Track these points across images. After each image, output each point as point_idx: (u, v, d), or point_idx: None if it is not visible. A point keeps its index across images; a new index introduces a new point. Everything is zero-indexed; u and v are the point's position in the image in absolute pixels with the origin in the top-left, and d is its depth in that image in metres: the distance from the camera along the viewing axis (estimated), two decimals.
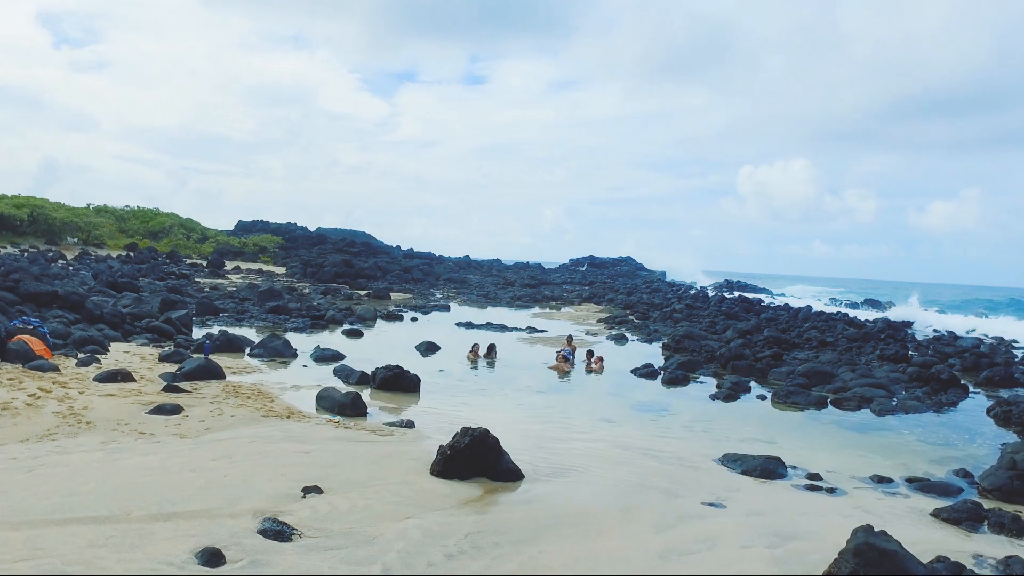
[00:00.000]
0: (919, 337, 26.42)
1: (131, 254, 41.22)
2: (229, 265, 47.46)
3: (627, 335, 23.64)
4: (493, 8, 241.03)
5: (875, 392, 13.20)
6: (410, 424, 9.14)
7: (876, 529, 4.76)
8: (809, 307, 36.70)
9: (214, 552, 4.68)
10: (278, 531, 5.17)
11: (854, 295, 58.75)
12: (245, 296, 26.65)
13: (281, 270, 49.04)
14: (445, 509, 6.06)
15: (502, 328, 23.88)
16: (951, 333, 29.34)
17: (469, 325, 24.42)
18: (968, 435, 10.62)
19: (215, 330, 16.85)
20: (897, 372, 15.82)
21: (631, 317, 30.32)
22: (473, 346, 16.44)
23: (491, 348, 16.50)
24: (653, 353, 19.38)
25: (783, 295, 55.53)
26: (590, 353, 16.46)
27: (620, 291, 45.68)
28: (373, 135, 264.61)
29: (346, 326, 21.51)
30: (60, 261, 33.28)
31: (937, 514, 6.62)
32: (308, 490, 6.14)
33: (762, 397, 12.95)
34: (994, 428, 11.39)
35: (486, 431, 7.11)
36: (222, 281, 37.80)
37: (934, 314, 39.20)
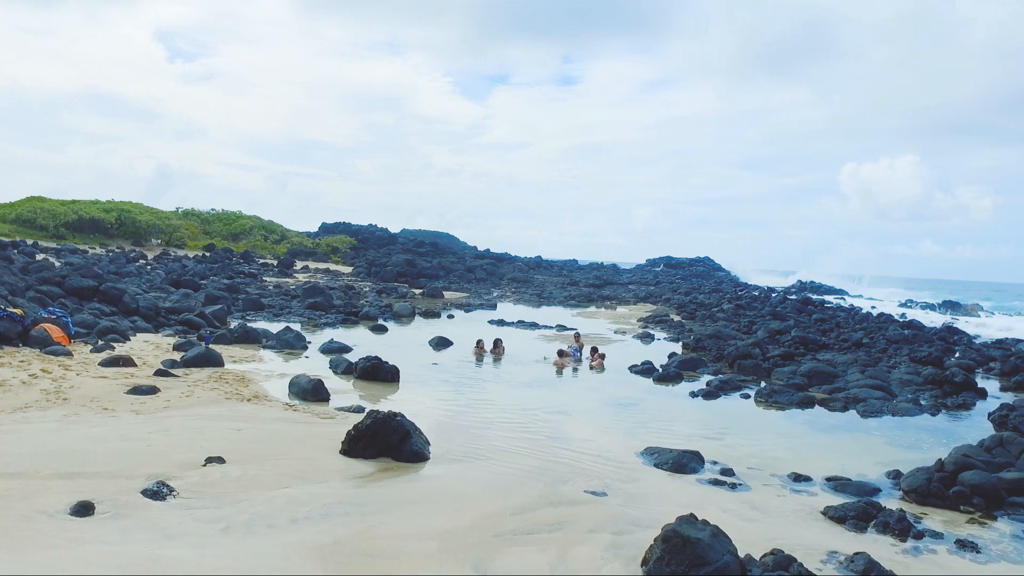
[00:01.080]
0: (981, 341, 24.60)
1: (206, 254, 44.37)
2: (300, 265, 50.14)
3: (655, 334, 23.41)
4: (586, 8, 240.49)
5: (871, 393, 12.65)
6: (359, 409, 9.72)
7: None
8: (868, 310, 34.82)
9: (85, 505, 5.38)
10: (156, 491, 5.83)
11: (950, 296, 54.80)
12: (295, 294, 28.21)
13: (348, 269, 51.23)
14: (327, 482, 6.56)
15: (532, 326, 24.21)
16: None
17: (501, 323, 24.89)
18: (946, 439, 10.08)
19: (257, 324, 18.20)
20: (912, 374, 14.99)
21: (673, 317, 29.86)
22: (478, 341, 16.90)
23: (496, 343, 16.91)
24: (673, 351, 19.18)
25: (860, 296, 52.74)
26: (594, 350, 16.54)
27: (679, 291, 44.85)
28: (465, 138, 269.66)
29: (380, 322, 22.51)
30: (140, 260, 36.34)
31: (825, 512, 6.50)
32: (211, 460, 6.80)
33: (746, 396, 12.69)
34: (985, 433, 10.71)
35: (391, 415, 7.56)
36: (288, 280, 40.01)
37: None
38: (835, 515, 6.40)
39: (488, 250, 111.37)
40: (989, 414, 11.60)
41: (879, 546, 5.86)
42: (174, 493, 5.90)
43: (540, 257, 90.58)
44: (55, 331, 11.67)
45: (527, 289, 46.31)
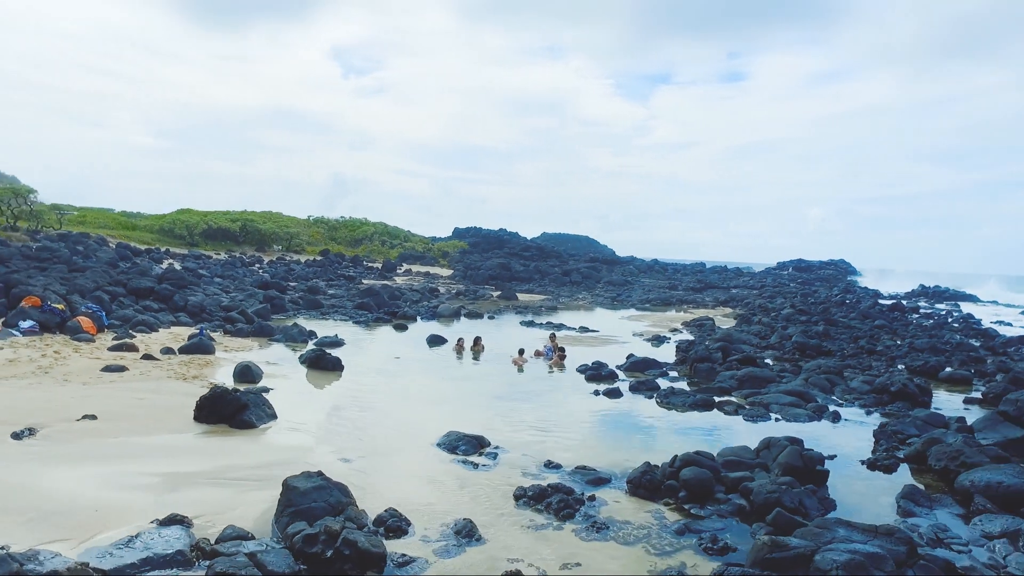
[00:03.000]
0: None
1: (318, 258, 49.61)
2: (405, 268, 54.28)
3: (675, 337, 23.50)
4: (753, 1, 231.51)
5: (780, 399, 12.65)
6: (265, 389, 11.77)
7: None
8: (965, 318, 31.60)
9: None
10: (19, 433, 8.21)
11: None
12: (356, 294, 31.35)
13: (449, 272, 54.61)
14: (157, 434, 8.65)
15: (559, 327, 25.25)
16: None
17: (531, 324, 26.21)
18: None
19: (303, 319, 21.33)
20: (867, 383, 14.41)
21: (717, 321, 29.33)
22: (459, 340, 18.51)
23: (476, 340, 18.41)
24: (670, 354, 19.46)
25: (993, 303, 47.19)
26: (561, 349, 17.51)
27: (765, 295, 43.10)
28: (627, 140, 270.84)
29: (410, 321, 24.82)
30: (255, 265, 41.77)
31: (516, 492, 7.43)
32: (87, 416, 9.15)
33: (650, 396, 13.19)
34: (862, 440, 10.60)
35: (227, 391, 9.52)
36: (386, 282, 43.89)
37: None
38: (518, 493, 7.35)
39: (613, 252, 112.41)
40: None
41: (522, 518, 6.81)
42: (34, 435, 8.26)
43: (657, 260, 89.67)
44: (86, 322, 15.00)
45: (611, 292, 46.71)
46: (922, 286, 54.09)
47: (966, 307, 42.73)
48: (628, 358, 16.89)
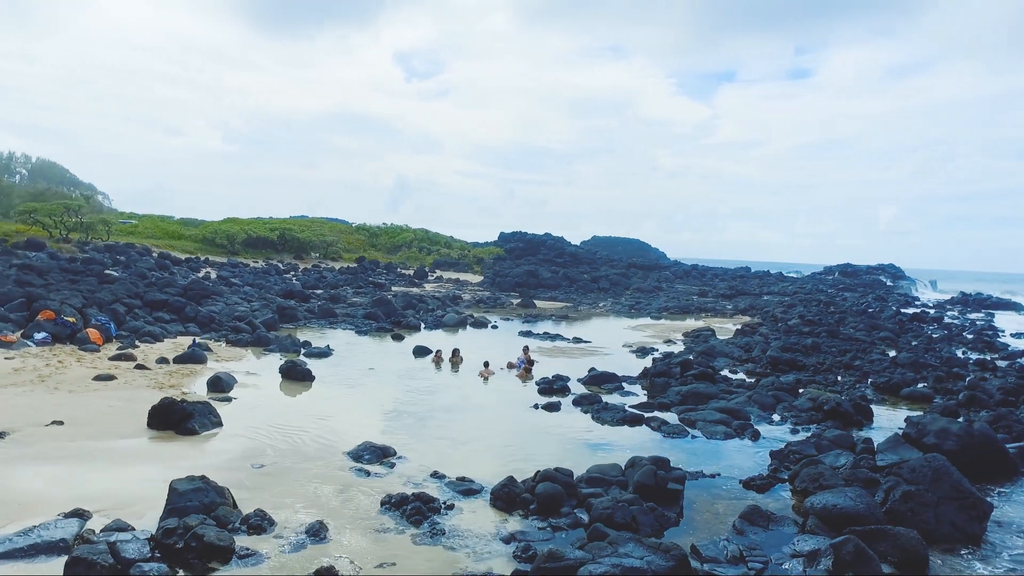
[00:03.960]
0: None
1: (351, 266, 51.73)
2: (436, 275, 55.90)
3: (661, 349, 23.95)
4: None
5: (711, 416, 13.20)
6: (227, 399, 13.15)
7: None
8: (989, 330, 30.66)
9: None
10: None
11: None
12: (369, 303, 32.86)
13: (477, 279, 55.91)
14: (110, 439, 10.05)
15: (556, 338, 26.06)
16: None
17: (528, 334, 27.07)
18: (683, 459, 10.80)
19: (311, 329, 22.91)
20: (811, 401, 14.72)
21: (718, 330, 29.46)
22: (437, 352, 19.61)
23: (455, 353, 19.47)
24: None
25: None
26: (531, 362, 18.38)
27: (784, 304, 42.58)
28: (691, 139, 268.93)
29: (422, 331, 26.15)
30: (289, 272, 44.05)
31: (385, 500, 8.42)
32: (55, 422, 10.65)
33: (586, 411, 13.93)
34: (729, 459, 11.12)
35: (175, 401, 10.88)
36: (414, 289, 45.53)
37: None
38: (384, 500, 8.33)
39: (664, 255, 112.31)
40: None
41: (376, 523, 7.80)
42: (2, 438, 9.78)
43: (696, 264, 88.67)
44: (94, 334, 16.81)
45: (635, 300, 46.99)
46: (962, 293, 52.02)
47: (1005, 317, 41.18)
48: (589, 371, 17.61)
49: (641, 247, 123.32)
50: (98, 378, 13.91)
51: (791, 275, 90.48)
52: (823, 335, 26.92)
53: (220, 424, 11.34)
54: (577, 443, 11.82)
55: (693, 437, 12.32)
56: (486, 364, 17.89)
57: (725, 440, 12.24)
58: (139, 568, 6.20)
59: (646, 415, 13.46)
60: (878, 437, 11.98)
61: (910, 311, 36.99)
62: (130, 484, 8.45)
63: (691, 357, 21.24)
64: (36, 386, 12.97)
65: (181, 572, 6.40)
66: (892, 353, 23.20)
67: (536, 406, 14.22)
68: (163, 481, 8.51)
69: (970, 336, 28.27)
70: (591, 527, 7.41)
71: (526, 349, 19.67)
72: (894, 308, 38.63)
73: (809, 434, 12.82)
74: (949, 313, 39.99)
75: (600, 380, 16.87)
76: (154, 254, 38.45)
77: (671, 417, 13.68)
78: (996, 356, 23.75)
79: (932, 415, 11.23)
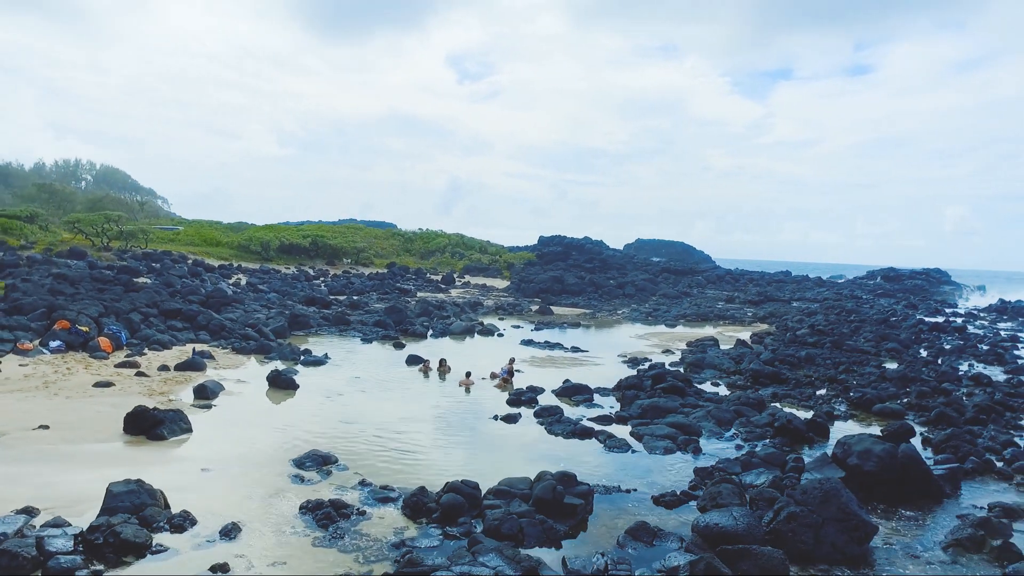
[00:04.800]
0: None
1: (382, 271, 53.27)
2: (463, 281, 57.00)
3: (656, 359, 24.22)
4: None
5: (659, 431, 13.63)
6: (208, 407, 14.28)
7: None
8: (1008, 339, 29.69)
9: None
10: None
11: None
12: (379, 311, 34.02)
13: (503, 284, 56.75)
14: (86, 443, 11.23)
15: (555, 347, 26.62)
16: None
17: (530, 342, 27.68)
18: (598, 471, 11.31)
19: (320, 336, 24.23)
20: (767, 417, 14.93)
21: (721, 341, 29.43)
22: (424, 361, 20.46)
23: (442, 362, 20.29)
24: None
25: None
26: (511, 372, 19.06)
27: (806, 311, 41.95)
28: (744, 138, 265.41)
29: (428, 339, 27.17)
30: (319, 278, 45.78)
31: (303, 505, 9.26)
32: (42, 426, 11.90)
33: (542, 423, 14.52)
34: (656, 475, 11.53)
35: (146, 409, 11.99)
36: (439, 295, 46.70)
37: None
38: (303, 505, 9.17)
39: (709, 258, 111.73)
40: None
41: (288, 525, 8.64)
42: None
43: (735, 269, 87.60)
44: (104, 342, 18.31)
45: (653, 305, 46.96)
46: (1001, 301, 50.00)
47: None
48: (564, 382, 18.16)
49: (685, 250, 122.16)
50: (97, 384, 15.25)
51: (835, 279, 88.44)
52: (827, 345, 26.70)
53: (190, 430, 12.43)
54: (520, 455, 12.45)
55: (634, 452, 12.79)
56: (468, 374, 18.65)
57: (664, 455, 12.66)
58: (56, 560, 7.19)
59: (596, 428, 13.97)
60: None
61: (935, 320, 35.99)
62: (87, 485, 9.51)
63: (681, 369, 21.58)
64: (39, 392, 14.38)
65: (95, 564, 7.36)
66: (891, 365, 22.94)
67: (496, 417, 14.89)
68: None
69: (984, 347, 27.49)
70: (471, 537, 8.08)
71: (511, 361, 20.33)
72: (917, 317, 37.63)
73: (751, 450, 13.13)
74: (979, 322, 38.65)
75: (572, 392, 17.40)
76: (189, 261, 40.71)
77: (624, 430, 14.17)
78: (1003, 368, 23.20)
79: (860, 435, 11.40)
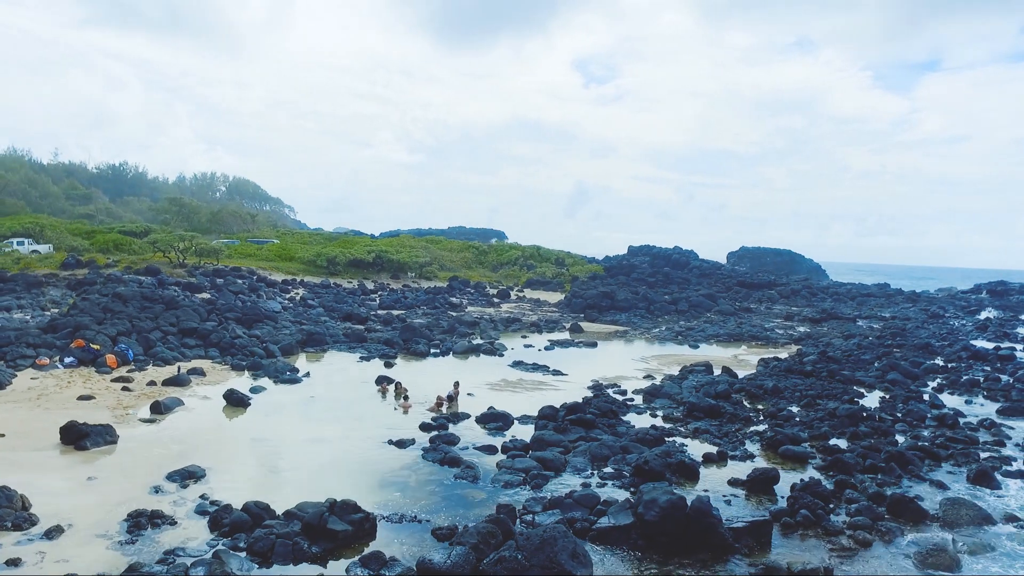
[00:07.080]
0: None
1: (441, 285, 55.98)
2: (518, 295, 58.51)
3: (628, 385, 24.51)
4: None
5: (521, 464, 14.49)
6: (151, 421, 16.86)
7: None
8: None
9: None
10: None
11: None
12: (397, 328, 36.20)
13: (558, 298, 57.62)
14: (25, 450, 14.00)
15: (540, 369, 27.52)
16: None
17: (520, 363, 28.68)
18: (433, 503, 12.46)
19: (331, 351, 27.01)
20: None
21: (706, 364, 28.89)
22: (383, 383, 22.26)
23: (397, 385, 22.00)
24: None
25: None
26: (451, 397, 20.42)
27: (843, 334, 39.61)
28: (887, 136, 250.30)
29: (428, 358, 29.09)
30: (377, 292, 49.06)
31: (132, 512, 11.25)
32: (1, 435, 14.86)
33: (424, 449, 15.77)
34: (475, 510, 12.42)
35: (74, 423, 14.61)
36: (489, 310, 48.59)
37: None
38: (131, 513, 11.18)
39: (816, 266, 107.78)
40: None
41: (111, 529, 10.67)
42: None
43: (812, 282, 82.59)
44: (111, 359, 21.65)
45: (699, 323, 46.03)
46: None
47: None
48: (488, 409, 19.27)
49: (792, 258, 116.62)
50: (81, 398, 18.33)
51: (941, 291, 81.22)
52: (824, 375, 25.78)
53: (115, 442, 14.94)
54: (371, 480, 13.78)
55: (478, 483, 13.79)
56: (406, 397, 20.26)
57: (505, 488, 13.56)
58: None
59: (464, 459, 15.06)
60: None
61: (986, 346, 32.95)
62: None
63: (637, 399, 21.93)
64: (31, 403, 17.61)
65: None
66: (872, 400, 22.02)
67: (389, 442, 16.35)
68: (21, 484, 12.08)
69: (1007, 379, 25.26)
70: (215, 551, 9.69)
71: (456, 385, 21.66)
72: (966, 342, 34.61)
73: (599, 488, 13.70)
74: None
75: (489, 419, 18.47)
76: (254, 277, 45.30)
77: (497, 461, 15.14)
78: (999, 406, 21.53)
79: (656, 484, 11.78)
